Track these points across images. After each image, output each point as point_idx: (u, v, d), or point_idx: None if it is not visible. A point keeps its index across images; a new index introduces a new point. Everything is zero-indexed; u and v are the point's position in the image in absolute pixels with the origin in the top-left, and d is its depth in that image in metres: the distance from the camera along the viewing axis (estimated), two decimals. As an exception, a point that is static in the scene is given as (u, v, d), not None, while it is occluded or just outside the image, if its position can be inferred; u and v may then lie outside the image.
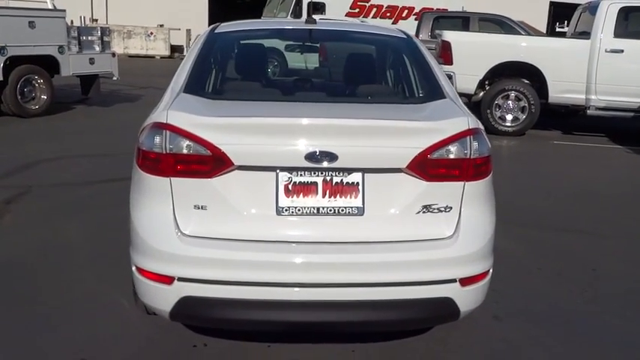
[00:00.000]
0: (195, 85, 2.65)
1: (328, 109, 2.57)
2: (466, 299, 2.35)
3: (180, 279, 2.25)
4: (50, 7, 9.76)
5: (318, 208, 2.29)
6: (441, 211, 2.34)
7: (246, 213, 2.30)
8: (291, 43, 3.48)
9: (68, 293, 3.49)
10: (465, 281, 2.32)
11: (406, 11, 20.72)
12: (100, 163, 6.86)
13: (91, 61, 9.93)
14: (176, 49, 24.54)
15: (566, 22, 26.56)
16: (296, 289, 2.22)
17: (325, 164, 2.25)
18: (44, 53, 9.23)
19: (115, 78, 10.54)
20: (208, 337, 2.98)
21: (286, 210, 2.29)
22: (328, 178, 2.29)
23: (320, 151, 2.23)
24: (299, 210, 2.29)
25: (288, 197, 2.29)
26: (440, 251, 2.28)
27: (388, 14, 20.48)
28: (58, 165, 6.66)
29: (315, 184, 2.29)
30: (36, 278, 3.69)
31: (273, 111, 2.42)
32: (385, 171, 2.30)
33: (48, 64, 9.38)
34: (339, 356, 2.82)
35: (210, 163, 2.26)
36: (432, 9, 21.30)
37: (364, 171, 2.29)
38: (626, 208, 5.76)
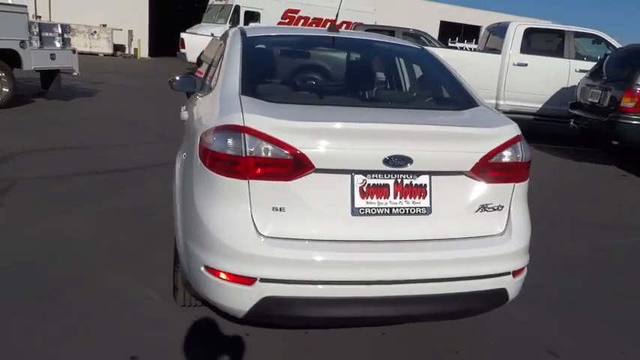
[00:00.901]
0: (251, 88, 2.36)
1: (396, 114, 2.38)
2: (514, 289, 2.27)
3: (263, 280, 2.00)
4: (10, 1, 8.79)
5: (390, 209, 2.11)
6: (495, 210, 2.24)
7: (324, 214, 2.08)
8: (323, 49, 3.23)
9: (92, 289, 3.09)
10: (516, 273, 2.24)
11: (329, 23, 20.62)
12: (74, 156, 6.24)
13: (52, 57, 9.05)
14: (118, 48, 23.09)
15: (457, 38, 27.84)
16: (372, 286, 2.03)
17: (399, 168, 2.07)
18: (6, 47, 8.30)
19: (75, 73, 9.67)
20: (248, 327, 2.74)
21: (362, 211, 2.09)
22: (399, 180, 2.12)
23: (397, 155, 2.05)
24: (373, 210, 2.10)
25: (363, 199, 2.09)
26: (498, 247, 2.18)
27: (314, 25, 20.29)
28: (34, 158, 5.98)
29: (387, 186, 2.11)
30: (56, 275, 3.23)
31: (347, 116, 2.19)
32: (449, 173, 2.16)
33: (9, 58, 8.44)
34: (373, 339, 2.68)
35: (291, 166, 2.02)
36: (350, 22, 21.45)
37: (431, 174, 2.13)
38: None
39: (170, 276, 2.95)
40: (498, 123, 2.26)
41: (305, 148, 2.00)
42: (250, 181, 2.03)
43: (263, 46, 2.84)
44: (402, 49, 3.13)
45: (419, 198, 2.14)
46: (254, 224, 2.04)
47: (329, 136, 2.04)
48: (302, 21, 20.33)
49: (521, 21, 9.52)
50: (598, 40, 9.55)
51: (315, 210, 2.07)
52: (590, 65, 8.70)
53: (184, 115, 3.06)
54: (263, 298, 2.01)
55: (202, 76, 3.62)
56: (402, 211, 2.12)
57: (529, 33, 9.25)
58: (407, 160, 2.06)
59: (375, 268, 2.03)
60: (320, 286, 2.01)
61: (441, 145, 2.12)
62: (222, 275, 2.07)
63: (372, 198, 2.09)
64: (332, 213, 2.08)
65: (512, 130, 2.24)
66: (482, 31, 10.81)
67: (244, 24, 17.76)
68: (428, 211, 2.15)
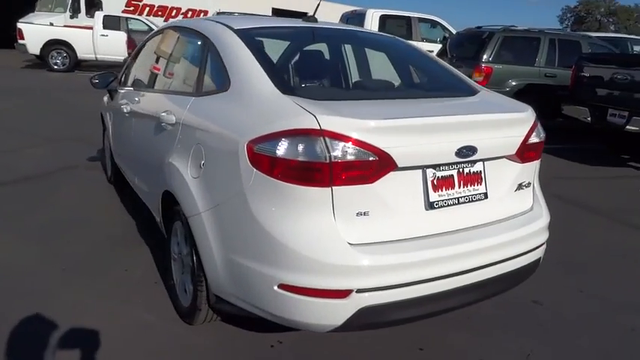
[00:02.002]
0: (289, 87, 1.99)
1: (448, 105, 2.18)
2: (542, 257, 2.29)
3: (360, 290, 1.72)
4: None
5: (457, 199, 1.96)
6: (526, 187, 2.22)
7: (404, 213, 1.85)
8: (322, 41, 2.83)
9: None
10: (544, 243, 2.25)
11: (175, 11, 19.20)
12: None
13: None
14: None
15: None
16: (456, 277, 1.88)
17: (467, 158, 1.92)
18: None
19: None
20: (277, 335, 2.40)
21: (436, 204, 1.91)
22: (461, 170, 1.97)
23: (466, 146, 1.90)
24: (445, 202, 1.93)
25: (435, 192, 1.90)
26: (538, 221, 2.17)
27: (160, 13, 18.74)
28: None
29: (452, 176, 1.95)
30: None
31: (416, 110, 1.94)
32: (497, 158, 2.07)
33: None
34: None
35: (374, 167, 1.74)
36: (195, 10, 20.24)
37: (484, 160, 2.02)
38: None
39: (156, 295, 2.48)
40: (523, 106, 2.22)
41: (389, 148, 1.74)
42: (334, 187, 1.71)
43: (263, 39, 2.41)
44: (391, 40, 2.88)
45: (477, 185, 2.02)
46: (342, 233, 1.73)
47: (409, 133, 1.80)
48: (147, 9, 18.61)
49: (375, 9, 9.83)
50: (434, 24, 10.27)
51: (396, 210, 1.83)
52: (429, 46, 9.31)
53: (169, 118, 2.49)
54: (360, 309, 1.73)
55: (160, 72, 3.00)
56: (466, 199, 1.99)
57: (384, 19, 9.59)
58: (474, 150, 1.92)
59: (458, 260, 1.88)
60: (413, 287, 1.79)
61: (496, 132, 2.02)
62: (308, 292, 1.73)
63: (442, 190, 1.92)
64: (411, 210, 1.87)
65: (533, 112, 2.22)
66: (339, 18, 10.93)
67: (86, 13, 15.62)
68: (485, 196, 2.05)
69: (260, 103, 1.93)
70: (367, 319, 1.77)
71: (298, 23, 2.71)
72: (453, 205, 1.94)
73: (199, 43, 2.61)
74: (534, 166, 2.23)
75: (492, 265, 1.96)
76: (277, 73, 2.08)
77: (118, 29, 14.48)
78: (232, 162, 1.90)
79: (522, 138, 2.10)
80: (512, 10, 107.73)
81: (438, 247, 1.84)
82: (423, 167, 1.87)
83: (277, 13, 26.11)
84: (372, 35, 2.87)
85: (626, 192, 5.36)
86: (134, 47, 10.54)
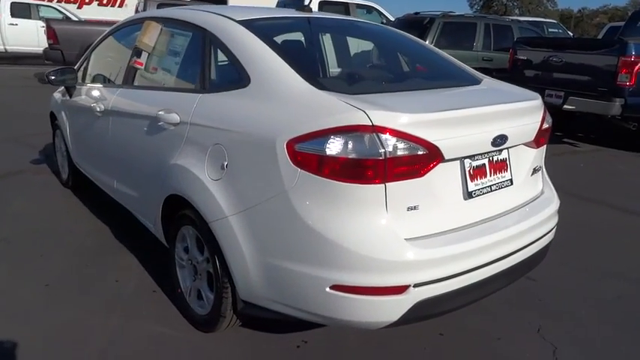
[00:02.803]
0: (319, 81, 1.92)
1: (477, 94, 2.20)
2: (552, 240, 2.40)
3: (417, 285, 1.72)
4: None
5: (490, 186, 2.02)
6: (538, 171, 2.34)
7: (447, 204, 1.88)
8: (331, 32, 2.71)
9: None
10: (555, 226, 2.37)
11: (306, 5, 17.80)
12: None
13: None
14: None
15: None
16: (498, 262, 1.94)
17: (499, 147, 1.98)
18: None
19: None
20: (300, 334, 2.36)
21: (474, 193, 1.95)
22: (491, 158, 2.03)
23: (500, 135, 1.95)
24: (480, 191, 1.98)
25: (472, 181, 1.95)
26: (552, 205, 2.28)
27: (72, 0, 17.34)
28: None
29: (484, 165, 2.01)
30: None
31: (455, 101, 1.95)
32: (517, 145, 2.14)
33: None
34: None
35: (424, 160, 1.74)
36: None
37: (508, 148, 2.09)
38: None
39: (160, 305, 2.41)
40: (534, 94, 2.30)
41: (437, 140, 1.74)
42: (387, 184, 1.69)
43: (272, 31, 2.30)
44: (390, 31, 2.83)
45: (504, 172, 2.09)
46: (396, 229, 1.72)
47: (455, 124, 1.82)
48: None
49: (313, -5, 9.77)
50: (370, 10, 10.40)
51: (441, 202, 1.85)
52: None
53: (171, 117, 2.32)
54: (416, 303, 1.74)
55: (142, 67, 2.78)
56: (497, 186, 2.05)
57: (322, 5, 9.56)
58: (505, 139, 1.98)
59: (499, 246, 1.93)
60: (463, 276, 1.83)
61: (521, 120, 2.09)
62: (365, 291, 1.71)
63: (478, 179, 1.97)
64: (453, 201, 1.90)
65: (540, 99, 2.32)
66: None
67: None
68: (511, 182, 2.12)
69: (295, 100, 1.86)
70: (422, 312, 1.78)
71: (298, 13, 2.62)
72: (487, 193, 2.00)
73: (196, 35, 2.45)
74: (544, 150, 2.34)
75: (523, 249, 2.05)
76: (302, 66, 2.00)
77: (29, 17, 13.27)
78: (268, 162, 1.82)
79: (539, 124, 2.19)
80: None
81: (482, 235, 1.89)
82: (462, 158, 1.90)
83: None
84: (372, 26, 2.83)
85: (570, 168, 5.79)
86: (54, 37, 9.78)
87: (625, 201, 4.55)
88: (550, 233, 2.26)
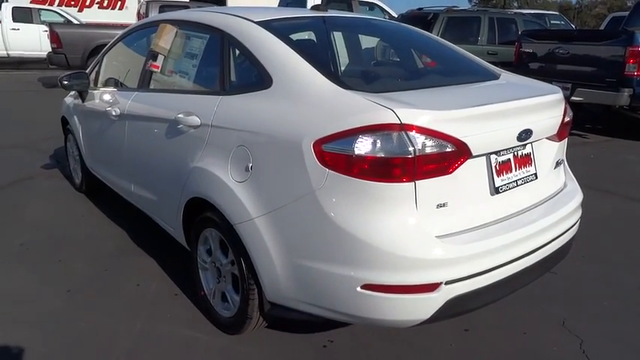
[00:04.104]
0: (342, 80, 1.91)
1: (500, 89, 2.19)
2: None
3: (448, 282, 1.72)
4: None
5: (516, 181, 2.01)
6: (560, 165, 2.33)
7: (475, 200, 1.87)
8: (346, 30, 2.70)
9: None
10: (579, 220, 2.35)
11: (89, 0, 17.88)
12: None
13: None
14: None
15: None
16: (527, 257, 1.94)
17: (525, 142, 1.98)
18: None
19: None
20: (325, 334, 2.36)
21: (500, 189, 1.94)
22: (516, 153, 2.02)
23: (525, 130, 1.95)
24: (506, 186, 1.97)
25: (498, 177, 1.94)
26: (576, 198, 2.27)
27: (72, 3, 17.36)
28: None
29: (509, 160, 2.00)
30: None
31: (481, 97, 1.94)
32: (540, 139, 2.13)
33: None
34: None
35: (453, 158, 1.74)
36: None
37: (532, 142, 2.08)
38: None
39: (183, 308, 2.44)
40: (554, 88, 2.29)
41: (465, 137, 1.74)
42: (417, 181, 1.68)
43: (290, 31, 2.29)
44: (405, 28, 2.82)
45: (529, 166, 2.08)
46: (427, 227, 1.72)
47: (482, 120, 1.81)
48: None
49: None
50: (372, 6, 10.39)
51: (469, 198, 1.85)
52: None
53: (192, 119, 2.32)
54: (448, 300, 1.74)
55: (158, 70, 2.77)
56: (522, 181, 2.04)
57: (327, 3, 9.54)
58: (530, 133, 1.97)
59: (527, 240, 1.93)
60: (493, 272, 1.82)
61: (545, 114, 2.08)
62: (397, 289, 1.71)
63: (504, 174, 1.96)
64: (480, 197, 1.89)
65: (562, 92, 2.31)
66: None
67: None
68: (535, 176, 2.11)
69: (319, 100, 1.85)
70: (453, 309, 1.78)
71: (313, 13, 2.61)
72: (513, 187, 1.99)
73: (213, 37, 2.44)
74: (565, 143, 2.34)
75: (550, 243, 2.04)
76: (323, 66, 1.99)
77: (31, 22, 13.28)
78: (294, 163, 1.82)
79: (561, 118, 2.18)
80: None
81: (510, 230, 1.88)
82: (488, 154, 1.89)
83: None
84: (387, 23, 2.82)
85: (580, 159, 5.77)
86: (58, 41, 9.78)
87: (638, 191, 4.54)
88: (575, 226, 2.25)
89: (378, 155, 1.66)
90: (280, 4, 10.80)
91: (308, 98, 1.89)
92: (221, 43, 2.36)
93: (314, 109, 1.84)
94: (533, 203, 2.07)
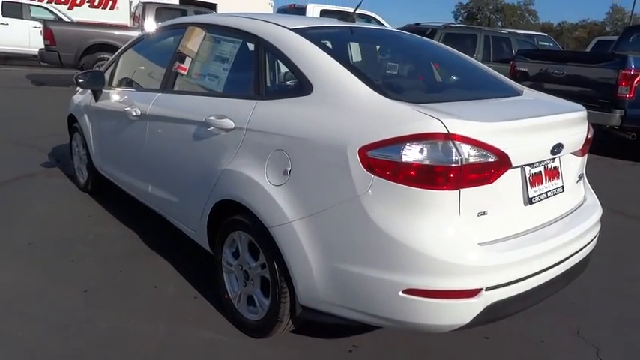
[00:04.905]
0: (384, 89, 1.96)
1: (537, 104, 2.28)
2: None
3: (488, 288, 1.78)
4: None
5: (546, 193, 2.09)
6: (581, 179, 2.42)
7: (511, 209, 1.94)
8: (376, 41, 2.76)
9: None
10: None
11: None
12: None
13: None
14: None
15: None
16: (557, 266, 2.01)
17: (556, 155, 2.06)
18: None
19: None
20: (350, 339, 2.39)
21: (533, 200, 2.02)
22: (547, 166, 2.10)
23: (558, 144, 2.03)
24: (539, 197, 2.05)
25: (532, 188, 2.01)
26: (597, 211, 2.35)
27: (63, 0, 17.13)
28: None
29: (541, 173, 2.07)
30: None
31: (520, 111, 2.02)
32: (566, 154, 2.22)
33: None
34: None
35: (494, 168, 1.80)
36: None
37: (560, 156, 2.17)
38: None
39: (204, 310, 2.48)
40: (579, 105, 2.38)
41: (507, 148, 1.81)
42: (461, 190, 1.74)
43: (326, 39, 2.34)
44: (428, 42, 2.91)
45: (557, 179, 2.16)
46: (469, 234, 1.78)
47: (522, 133, 1.89)
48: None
49: (315, 3, 9.90)
50: (369, 19, 10.55)
51: (507, 207, 1.91)
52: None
53: (224, 123, 2.34)
54: (487, 306, 1.79)
55: (185, 72, 2.79)
56: (551, 193, 2.12)
57: (324, 13, 9.68)
58: (562, 147, 2.05)
59: (559, 250, 2.00)
60: (529, 279, 1.89)
61: (574, 130, 2.17)
62: (439, 294, 1.76)
63: (536, 186, 2.04)
64: (516, 207, 1.96)
65: (586, 110, 2.40)
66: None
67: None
68: (562, 189, 2.19)
69: (364, 108, 1.90)
70: (491, 315, 1.83)
71: (341, 23, 2.67)
72: (544, 199, 2.07)
73: (247, 42, 2.48)
74: (585, 159, 2.43)
75: (576, 253, 2.12)
76: (363, 74, 2.04)
77: (20, 17, 13.08)
78: (337, 169, 1.86)
79: (586, 134, 2.28)
80: (410, 4, 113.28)
81: (542, 240, 1.95)
82: (524, 165, 1.97)
83: (185, 2, 25.03)
84: (412, 37, 2.89)
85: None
86: (52, 38, 9.65)
87: (634, 209, 4.69)
88: (595, 240, 2.34)
89: (425, 163, 1.72)
90: (277, 13, 10.90)
91: (351, 106, 1.94)
92: (256, 48, 2.40)
93: (358, 116, 1.89)
94: (560, 215, 2.15)
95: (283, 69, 2.26)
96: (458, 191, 1.74)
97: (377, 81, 2.07)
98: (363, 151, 1.80)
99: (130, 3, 18.80)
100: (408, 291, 1.77)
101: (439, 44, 2.91)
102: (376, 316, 1.89)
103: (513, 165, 1.86)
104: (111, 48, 10.00)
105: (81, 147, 4.09)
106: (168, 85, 2.90)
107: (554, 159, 2.13)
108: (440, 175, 1.72)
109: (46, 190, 4.22)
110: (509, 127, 1.85)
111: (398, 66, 2.49)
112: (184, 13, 10.85)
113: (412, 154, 1.72)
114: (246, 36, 2.50)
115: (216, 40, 2.70)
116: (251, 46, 2.46)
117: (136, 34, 10.26)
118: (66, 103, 4.41)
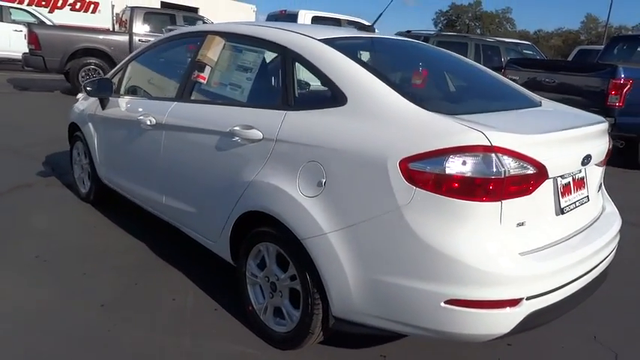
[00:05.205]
0: (420, 101, 1.99)
1: (564, 116, 2.33)
2: None
3: (529, 298, 1.81)
4: None
5: (575, 202, 2.14)
6: (600, 188, 2.48)
7: (546, 219, 1.99)
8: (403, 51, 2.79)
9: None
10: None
11: (60, 1, 17.42)
12: None
13: None
14: None
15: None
16: (588, 274, 2.06)
17: (585, 166, 2.12)
18: None
19: None
20: (378, 349, 2.40)
21: (564, 209, 2.07)
22: (574, 177, 2.16)
23: (587, 155, 2.09)
24: (569, 207, 2.10)
25: (563, 198, 2.06)
26: (618, 219, 2.42)
27: (43, 3, 16.87)
28: None
29: (569, 183, 2.13)
30: None
31: (555, 123, 2.07)
32: (592, 164, 2.28)
33: None
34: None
35: (533, 179, 1.85)
36: (85, 1, 18.56)
37: (586, 167, 2.23)
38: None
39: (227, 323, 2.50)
40: (600, 117, 2.44)
41: (545, 160, 1.85)
42: (503, 201, 1.78)
43: (356, 50, 2.36)
44: (442, 50, 2.95)
45: (583, 189, 2.22)
46: (510, 245, 1.81)
47: (558, 144, 1.95)
48: (27, -1, 16.60)
49: (307, 10, 9.97)
50: (358, 26, 10.63)
51: (542, 217, 1.96)
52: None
53: (252, 133, 2.34)
54: (528, 314, 1.83)
55: (205, 81, 2.77)
56: (579, 202, 2.17)
57: (316, 19, 9.73)
58: (590, 158, 2.11)
59: (590, 259, 2.05)
60: (564, 288, 1.93)
61: (599, 141, 2.24)
62: (481, 304, 1.79)
63: (566, 196, 2.09)
64: (550, 217, 2.01)
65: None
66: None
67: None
68: (588, 199, 2.25)
69: (402, 120, 1.92)
70: (530, 324, 1.87)
71: (368, 34, 2.69)
72: (573, 209, 2.12)
73: (273, 52, 2.48)
74: (604, 169, 2.50)
75: (602, 262, 2.18)
76: (397, 86, 2.07)
77: (0, 20, 12.81)
78: (377, 180, 1.88)
79: (607, 145, 2.35)
80: (394, 11, 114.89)
81: (575, 249, 2.00)
82: (556, 176, 2.02)
83: (166, 5, 24.84)
84: (431, 48, 2.94)
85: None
86: (37, 42, 9.47)
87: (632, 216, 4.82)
88: (615, 249, 2.40)
89: (468, 175, 1.75)
90: (268, 20, 10.91)
91: (389, 117, 1.96)
92: (282, 58, 2.41)
93: (397, 128, 1.91)
94: (586, 224, 2.21)
95: (313, 80, 2.27)
96: (500, 202, 1.78)
97: (410, 92, 2.10)
98: (405, 163, 1.82)
99: (113, 6, 18.63)
100: (450, 302, 1.80)
101: (456, 55, 2.96)
102: (415, 326, 1.90)
103: (550, 176, 1.91)
104: (97, 53, 9.90)
105: (83, 156, 4.02)
106: (185, 94, 2.88)
107: (581, 169, 2.19)
108: (483, 187, 1.75)
109: (45, 201, 4.13)
110: (547, 139, 1.90)
111: (425, 77, 2.52)
112: (172, 18, 10.79)
113: (455, 166, 1.75)
114: (271, 46, 2.51)
115: (238, 50, 2.70)
116: (277, 56, 2.46)
117: (123, 38, 10.16)
118: (54, 108, 4.36)
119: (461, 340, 1.94)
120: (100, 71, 10.04)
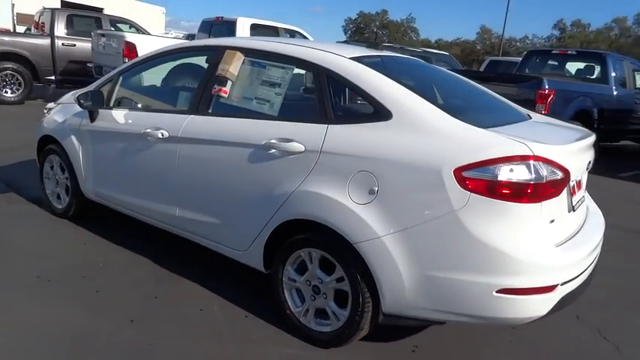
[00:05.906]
0: (459, 115, 2.28)
1: (564, 129, 2.70)
2: None
3: (563, 283, 2.17)
4: None
5: (578, 201, 2.55)
6: (585, 190, 2.93)
7: (564, 215, 2.35)
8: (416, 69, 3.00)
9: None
10: None
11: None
12: None
13: None
14: None
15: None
16: (592, 265, 2.46)
17: (587, 170, 2.53)
18: None
19: None
20: (409, 339, 2.66)
21: (573, 207, 2.46)
22: (576, 180, 2.55)
23: (590, 161, 2.51)
24: (575, 205, 2.49)
25: (572, 197, 2.45)
26: (601, 216, 2.87)
27: None
28: None
29: (574, 185, 2.52)
30: None
31: (569, 135, 2.46)
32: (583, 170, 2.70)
33: None
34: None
35: (562, 183, 2.21)
36: None
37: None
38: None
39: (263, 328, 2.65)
40: (588, 130, 2.87)
41: (569, 166, 2.22)
42: (543, 202, 2.12)
43: (384, 68, 2.57)
44: (441, 68, 3.25)
45: (581, 190, 2.64)
46: (548, 239, 2.16)
47: (577, 153, 2.34)
48: None
49: (245, 17, 9.98)
50: (293, 34, 10.90)
51: (562, 214, 2.32)
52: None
53: (293, 146, 2.49)
54: (561, 298, 2.18)
55: (226, 95, 2.85)
56: (580, 201, 2.59)
57: (254, 27, 9.81)
58: (590, 164, 2.53)
59: (595, 250, 2.46)
60: (582, 275, 2.31)
61: (592, 150, 2.66)
62: (527, 291, 2.10)
63: (574, 196, 2.48)
64: (565, 213, 2.37)
65: None
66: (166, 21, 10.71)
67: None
68: (584, 198, 2.68)
69: (450, 133, 2.19)
70: (560, 306, 2.22)
71: (383, 52, 2.94)
72: (578, 207, 2.53)
73: (303, 69, 2.65)
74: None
75: (597, 256, 2.60)
76: (435, 102, 2.35)
77: None
78: (432, 187, 2.13)
79: (593, 152, 2.80)
80: (300, 17, 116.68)
81: (588, 241, 2.40)
82: (572, 180, 2.40)
83: (67, 5, 23.34)
84: (432, 66, 3.25)
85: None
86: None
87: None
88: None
89: (516, 181, 2.06)
90: (201, 31, 10.76)
91: (435, 131, 2.22)
92: (316, 75, 2.58)
93: (447, 140, 2.18)
94: (584, 220, 2.63)
95: (353, 95, 2.47)
96: (540, 204, 2.11)
97: (449, 107, 2.38)
98: (458, 172, 2.10)
99: (13, 5, 17.23)
100: (501, 290, 2.10)
101: (454, 73, 3.32)
102: (468, 315, 2.18)
103: (571, 180, 2.28)
104: (15, 57, 9.23)
105: (59, 171, 3.86)
106: (200, 107, 2.94)
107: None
108: (529, 191, 2.07)
109: (15, 218, 3.90)
110: (570, 149, 2.29)
111: (443, 92, 2.82)
112: (98, 22, 10.30)
113: (504, 173, 2.06)
114: (301, 63, 2.67)
115: (262, 65, 2.82)
116: (309, 73, 2.64)
117: (44, 42, 9.52)
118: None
119: (507, 324, 2.26)
120: (19, 77, 9.36)
